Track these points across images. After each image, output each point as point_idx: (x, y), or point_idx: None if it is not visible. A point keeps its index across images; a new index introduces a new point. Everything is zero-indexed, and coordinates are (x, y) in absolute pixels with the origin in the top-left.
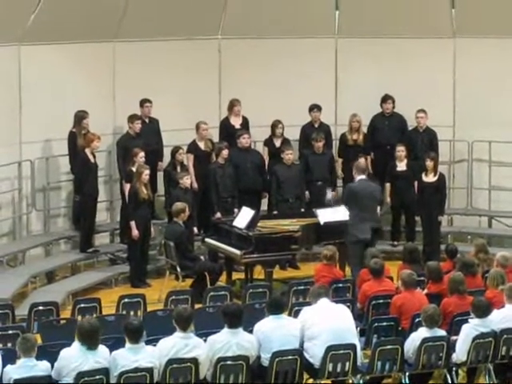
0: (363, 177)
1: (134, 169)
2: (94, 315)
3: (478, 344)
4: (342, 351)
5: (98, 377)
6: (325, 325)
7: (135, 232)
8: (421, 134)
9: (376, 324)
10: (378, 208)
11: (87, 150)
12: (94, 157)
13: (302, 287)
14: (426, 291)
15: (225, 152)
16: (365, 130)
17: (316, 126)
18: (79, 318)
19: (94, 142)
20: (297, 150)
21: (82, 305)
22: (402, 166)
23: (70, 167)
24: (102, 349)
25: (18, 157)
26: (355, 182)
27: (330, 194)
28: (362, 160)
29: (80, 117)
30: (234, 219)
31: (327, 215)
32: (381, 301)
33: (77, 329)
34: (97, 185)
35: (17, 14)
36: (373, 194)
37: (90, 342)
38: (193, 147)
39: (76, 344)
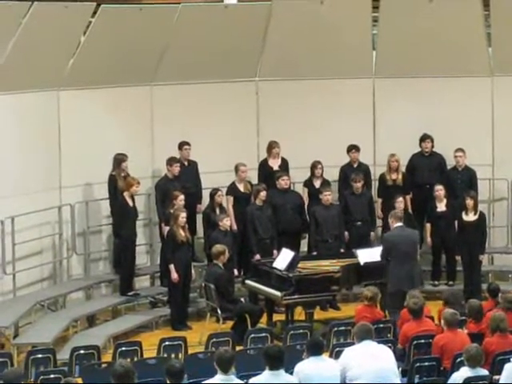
0: (400, 224)
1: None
2: (135, 358)
3: None
4: None
5: None
6: (367, 366)
7: (174, 275)
8: (460, 173)
9: (418, 364)
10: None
11: (126, 194)
12: (133, 200)
13: (343, 328)
14: (465, 330)
15: (262, 194)
16: (403, 169)
17: (355, 166)
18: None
19: (133, 187)
20: (336, 191)
21: (123, 348)
22: (441, 206)
23: (110, 210)
24: None
25: (58, 201)
26: (392, 230)
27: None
28: (398, 208)
29: (119, 160)
30: (273, 260)
31: (367, 255)
32: (422, 341)
33: (111, 373)
34: (135, 228)
35: (55, 60)
36: (410, 238)
37: None
38: (232, 189)
39: None
